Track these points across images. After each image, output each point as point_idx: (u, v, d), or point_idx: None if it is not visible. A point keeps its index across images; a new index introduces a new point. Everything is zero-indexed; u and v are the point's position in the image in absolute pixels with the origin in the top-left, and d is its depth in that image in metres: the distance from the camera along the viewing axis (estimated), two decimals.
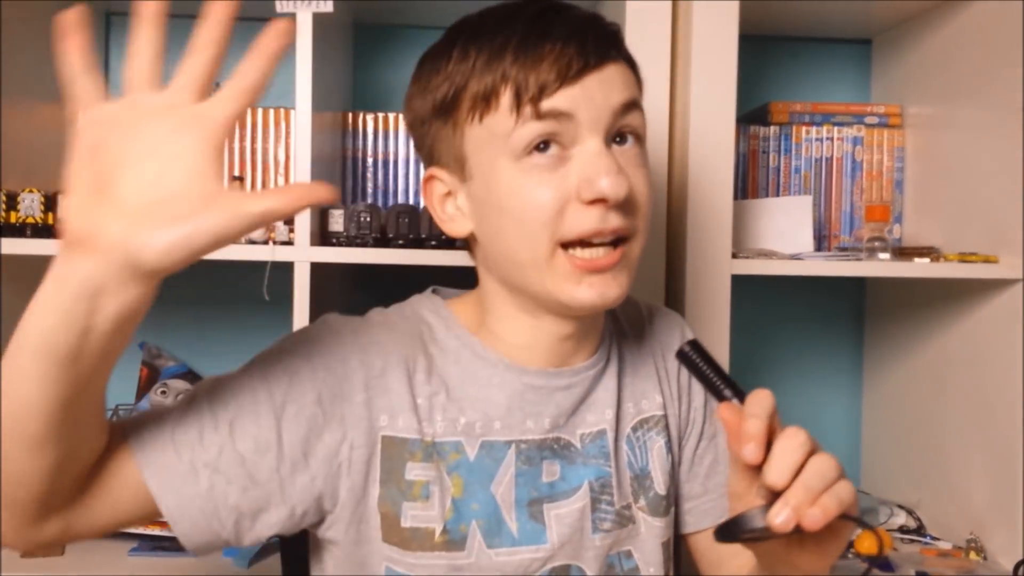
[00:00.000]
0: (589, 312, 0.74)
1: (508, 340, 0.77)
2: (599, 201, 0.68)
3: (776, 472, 0.59)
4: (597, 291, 0.70)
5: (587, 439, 0.79)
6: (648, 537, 0.80)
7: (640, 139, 0.73)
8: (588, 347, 0.80)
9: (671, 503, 0.83)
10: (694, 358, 0.67)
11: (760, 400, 0.62)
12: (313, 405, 0.70)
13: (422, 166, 0.81)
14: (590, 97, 0.69)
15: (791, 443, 0.60)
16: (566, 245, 0.69)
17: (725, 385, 0.66)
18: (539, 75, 0.68)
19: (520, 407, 0.76)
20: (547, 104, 0.68)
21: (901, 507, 1.35)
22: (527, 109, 0.68)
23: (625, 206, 0.70)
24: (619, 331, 0.85)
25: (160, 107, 0.54)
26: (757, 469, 0.62)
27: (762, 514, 0.60)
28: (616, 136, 0.71)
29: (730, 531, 0.63)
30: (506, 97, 0.69)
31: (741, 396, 0.65)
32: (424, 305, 0.80)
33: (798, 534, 0.59)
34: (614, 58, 0.71)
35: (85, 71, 0.54)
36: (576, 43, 0.69)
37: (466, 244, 0.80)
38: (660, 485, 0.82)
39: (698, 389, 0.87)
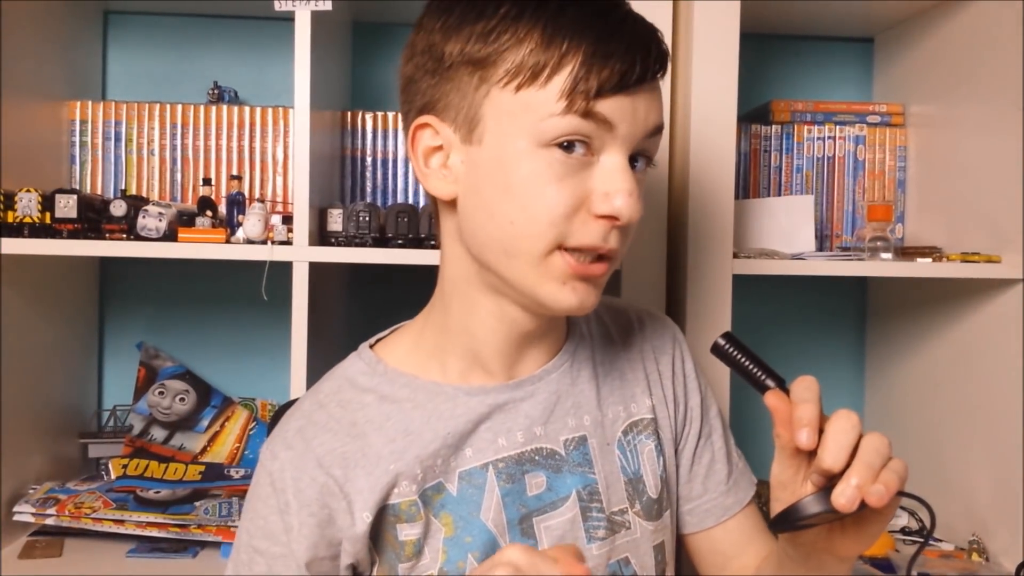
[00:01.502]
0: (562, 315, 0.72)
1: (462, 333, 0.75)
2: (610, 217, 0.67)
3: (832, 455, 0.60)
4: (579, 297, 0.69)
5: (570, 446, 0.78)
6: (643, 542, 0.80)
7: (651, 163, 0.73)
8: (547, 349, 0.78)
9: (663, 506, 0.82)
10: (731, 351, 0.67)
11: (808, 385, 0.63)
12: (319, 535, 0.71)
13: (399, 102, 0.74)
14: (634, 111, 0.67)
15: (844, 424, 0.61)
16: (563, 248, 0.68)
17: (766, 374, 0.66)
18: (603, 73, 0.64)
19: (488, 427, 0.75)
20: (599, 107, 0.65)
21: (903, 508, 1.34)
22: (579, 103, 0.65)
23: (624, 227, 0.69)
24: (604, 335, 0.84)
25: None
26: (804, 455, 0.63)
27: (818, 500, 0.61)
28: (634, 157, 0.70)
29: (787, 520, 0.63)
30: (560, 80, 0.65)
31: (782, 384, 0.65)
32: (354, 367, 0.77)
33: (853, 515, 0.60)
34: (662, 76, 0.70)
35: None
36: (642, 51, 0.66)
37: (433, 208, 0.77)
38: (652, 489, 0.81)
39: (694, 389, 0.87)
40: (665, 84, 1.17)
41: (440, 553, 0.72)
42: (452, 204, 0.72)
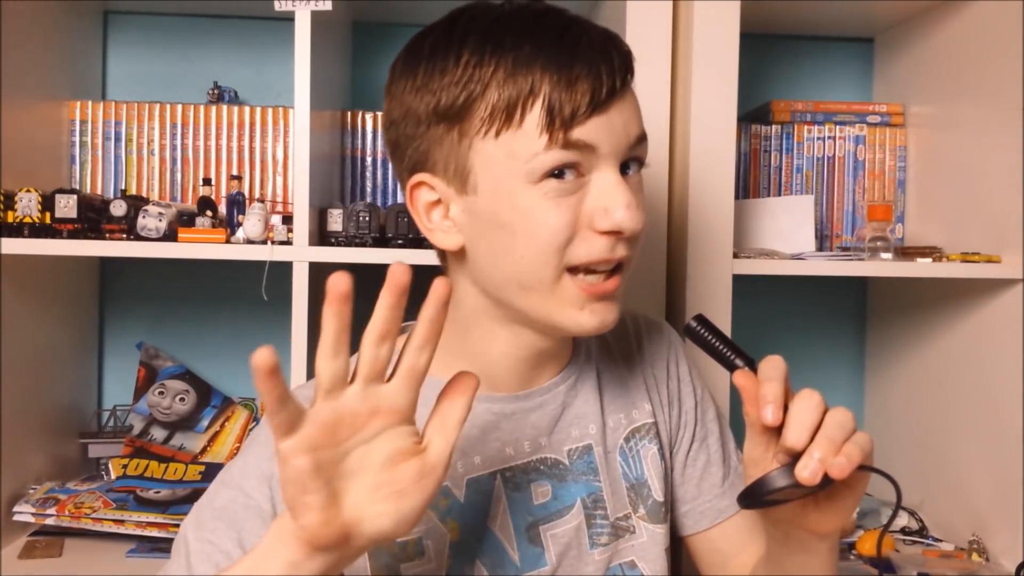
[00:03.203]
0: (585, 336, 0.73)
1: (477, 355, 0.75)
2: (614, 232, 0.68)
3: (795, 433, 0.61)
4: (599, 318, 0.70)
5: (575, 455, 0.78)
6: (651, 545, 0.80)
7: (643, 166, 0.73)
8: (556, 363, 0.79)
9: (669, 509, 0.83)
10: (702, 332, 0.68)
11: (774, 364, 0.64)
12: None
13: (391, 165, 0.77)
14: (612, 128, 0.67)
15: (807, 404, 0.62)
16: (571, 269, 0.68)
17: (735, 355, 0.67)
18: (573, 98, 0.65)
19: (496, 436, 0.75)
20: (577, 133, 0.65)
21: (903, 508, 1.34)
22: (558, 135, 0.65)
23: (630, 236, 0.69)
24: (602, 345, 0.85)
25: (362, 413, 0.55)
26: (773, 433, 0.64)
27: (783, 474, 0.62)
28: (625, 164, 0.70)
29: (753, 495, 0.64)
30: (533, 116, 0.65)
31: (752, 363, 0.66)
32: None
33: (821, 488, 0.61)
34: (630, 82, 0.70)
35: (283, 400, 0.52)
36: (605, 64, 0.66)
37: (440, 256, 0.77)
38: (658, 492, 0.81)
39: (688, 393, 0.87)
40: (665, 84, 1.18)
41: (446, 558, 0.72)
42: (460, 252, 0.72)
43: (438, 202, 0.71)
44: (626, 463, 0.81)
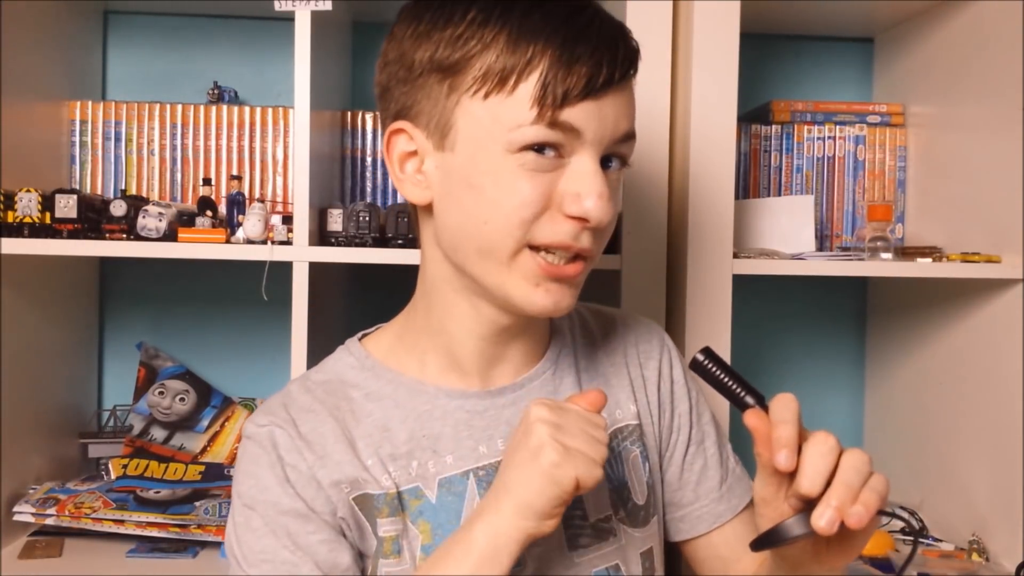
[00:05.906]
0: (538, 317, 0.72)
1: (441, 332, 0.75)
2: (580, 219, 0.67)
3: (809, 480, 0.60)
4: (553, 298, 0.69)
5: None
6: (629, 548, 0.79)
7: (625, 164, 0.72)
8: (529, 355, 0.78)
9: (650, 513, 0.82)
10: (709, 367, 0.67)
11: (787, 405, 0.62)
12: (316, 486, 0.71)
13: (377, 109, 0.75)
14: (602, 117, 0.67)
15: (822, 448, 0.61)
16: (532, 247, 0.68)
17: (745, 391, 0.65)
18: (568, 79, 0.65)
19: (469, 435, 0.75)
20: (565, 115, 0.65)
21: (903, 508, 1.34)
22: (546, 112, 0.65)
23: (597, 229, 0.69)
24: (588, 341, 0.84)
25: None
26: (786, 473, 0.63)
27: (799, 522, 0.60)
28: (608, 158, 0.70)
29: (769, 542, 0.63)
30: (527, 87, 0.65)
31: (762, 400, 0.65)
32: (344, 362, 0.78)
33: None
34: (631, 77, 0.70)
35: None
36: (609, 52, 0.66)
37: (412, 212, 0.77)
38: (638, 495, 0.80)
39: (682, 396, 0.86)
40: (665, 84, 1.18)
41: (418, 560, 0.72)
42: (428, 209, 0.72)
43: (414, 153, 0.71)
44: (608, 464, 0.78)
